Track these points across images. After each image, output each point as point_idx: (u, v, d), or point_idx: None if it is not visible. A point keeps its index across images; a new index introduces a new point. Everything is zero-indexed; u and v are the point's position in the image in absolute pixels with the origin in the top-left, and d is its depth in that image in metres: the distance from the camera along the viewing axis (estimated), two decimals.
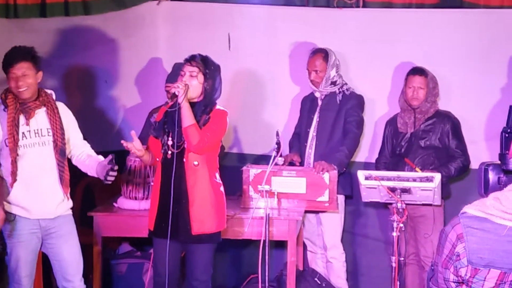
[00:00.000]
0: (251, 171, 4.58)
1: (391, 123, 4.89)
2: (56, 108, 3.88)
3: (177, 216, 3.76)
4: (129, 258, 5.03)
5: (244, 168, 4.64)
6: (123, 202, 4.57)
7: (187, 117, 3.69)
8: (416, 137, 4.70)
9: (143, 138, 4.18)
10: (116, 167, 3.78)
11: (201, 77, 3.76)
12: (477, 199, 1.92)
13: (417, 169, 4.56)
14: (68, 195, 3.88)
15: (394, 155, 4.81)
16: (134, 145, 3.73)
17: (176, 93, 3.64)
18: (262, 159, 5.11)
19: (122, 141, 3.69)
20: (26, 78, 3.73)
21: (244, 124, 5.32)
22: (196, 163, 3.75)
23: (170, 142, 3.76)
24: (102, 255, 4.67)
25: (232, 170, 5.18)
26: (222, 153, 4.81)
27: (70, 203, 3.92)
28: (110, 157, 3.81)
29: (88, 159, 3.96)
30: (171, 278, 3.86)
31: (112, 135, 5.43)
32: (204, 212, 3.79)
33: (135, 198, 4.52)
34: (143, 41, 5.43)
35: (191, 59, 3.77)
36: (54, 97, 3.95)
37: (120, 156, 4.69)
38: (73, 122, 4.01)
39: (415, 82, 4.68)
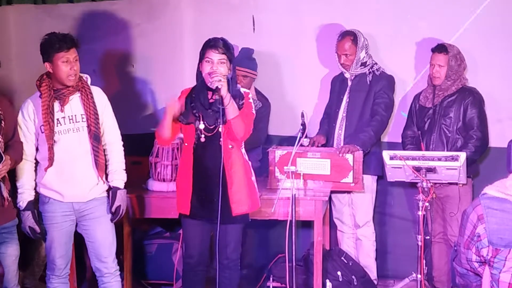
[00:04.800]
0: (277, 153, 4.63)
1: (418, 97, 4.89)
2: (91, 93, 3.92)
3: (215, 198, 3.80)
4: (158, 239, 5.12)
5: (270, 149, 4.69)
6: (152, 184, 4.65)
7: (233, 109, 3.70)
8: (439, 114, 4.68)
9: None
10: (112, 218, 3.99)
11: (228, 63, 3.78)
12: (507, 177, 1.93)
13: None
14: (104, 178, 3.95)
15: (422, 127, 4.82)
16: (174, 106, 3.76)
17: (219, 86, 3.63)
18: (287, 141, 5.14)
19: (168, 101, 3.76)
20: (77, 63, 3.82)
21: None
22: (231, 146, 3.82)
23: (202, 126, 3.80)
24: (132, 236, 4.78)
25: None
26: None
27: (104, 186, 3.99)
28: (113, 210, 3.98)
29: (110, 163, 4.04)
30: (201, 259, 3.95)
31: (140, 118, 5.50)
32: (242, 193, 3.87)
33: (163, 180, 4.60)
34: (169, 24, 5.47)
35: (216, 45, 3.76)
36: (89, 81, 3.99)
37: (148, 139, 4.77)
38: (107, 107, 4.03)
39: (436, 59, 4.66)
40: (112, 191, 3.99)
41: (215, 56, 3.74)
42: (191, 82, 4.02)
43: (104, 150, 4.01)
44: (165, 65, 5.50)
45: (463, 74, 4.73)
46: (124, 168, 4.09)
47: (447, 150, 4.58)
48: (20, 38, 5.49)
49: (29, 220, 3.84)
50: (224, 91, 3.64)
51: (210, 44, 3.78)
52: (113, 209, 3.97)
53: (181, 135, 4.00)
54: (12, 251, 3.77)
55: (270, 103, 5.17)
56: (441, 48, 4.67)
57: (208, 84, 3.72)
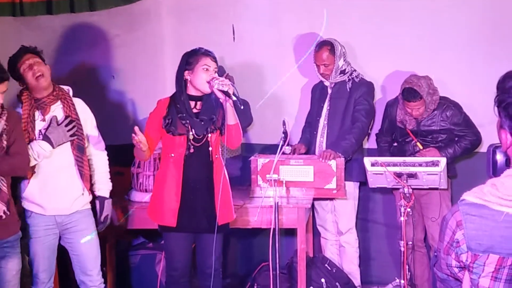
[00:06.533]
0: (259, 161, 4.63)
1: (391, 110, 4.88)
2: (73, 104, 3.91)
3: (204, 209, 3.82)
4: (141, 250, 5.11)
5: (252, 158, 4.69)
6: (134, 195, 4.64)
7: (233, 115, 3.72)
8: (420, 132, 4.73)
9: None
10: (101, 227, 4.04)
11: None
12: (486, 181, 1.96)
13: (418, 144, 4.66)
14: (89, 189, 3.95)
15: (401, 142, 4.85)
16: (141, 140, 3.68)
17: (230, 91, 3.63)
18: (269, 149, 5.16)
19: (133, 135, 3.64)
20: (39, 65, 3.78)
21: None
22: (217, 156, 3.83)
23: (191, 137, 3.79)
24: (116, 247, 4.76)
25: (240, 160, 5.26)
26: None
27: (88, 198, 3.98)
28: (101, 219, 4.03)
29: (95, 173, 4.06)
30: (185, 271, 3.93)
31: (121, 129, 5.47)
32: (226, 203, 3.88)
33: (146, 191, 4.59)
34: (149, 35, 5.47)
35: (211, 54, 3.78)
36: (71, 93, 3.98)
37: (130, 149, 4.76)
38: (90, 119, 4.04)
39: (412, 106, 4.64)
40: (99, 201, 4.02)
41: (212, 64, 3.76)
42: (172, 92, 4.02)
43: (89, 160, 4.01)
44: (145, 75, 5.49)
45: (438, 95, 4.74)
46: (109, 177, 4.13)
47: None
48: None
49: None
50: (231, 93, 3.65)
51: (205, 52, 3.78)
52: (102, 219, 4.00)
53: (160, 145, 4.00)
54: (13, 265, 3.66)
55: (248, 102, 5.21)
56: (413, 95, 4.58)
57: (215, 86, 3.68)
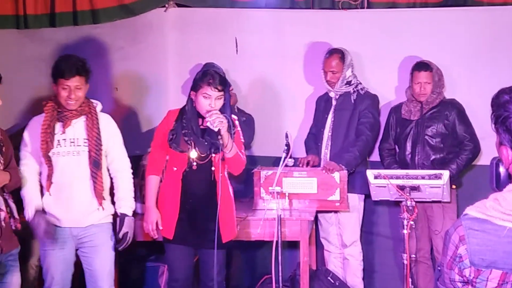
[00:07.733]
0: (262, 173, 4.64)
1: (396, 111, 4.93)
2: (97, 119, 3.90)
3: (205, 225, 3.84)
4: (144, 262, 5.11)
5: (255, 170, 4.69)
6: (138, 207, 4.62)
7: (232, 148, 3.78)
8: (422, 126, 4.74)
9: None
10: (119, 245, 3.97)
11: (223, 97, 3.83)
12: (490, 193, 1.96)
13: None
14: (104, 205, 3.89)
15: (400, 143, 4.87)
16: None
17: (221, 127, 3.68)
18: (273, 161, 5.15)
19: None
20: (78, 91, 3.80)
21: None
22: (221, 174, 3.84)
23: (194, 155, 3.82)
24: (119, 259, 4.74)
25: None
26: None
27: (105, 213, 3.93)
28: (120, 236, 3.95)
29: (118, 190, 4.02)
30: (186, 283, 3.94)
31: (124, 141, 5.47)
32: (230, 219, 3.92)
33: None
34: (152, 47, 5.48)
35: (215, 84, 3.77)
36: (100, 107, 3.98)
37: (133, 161, 4.77)
38: (116, 135, 4.03)
39: (421, 77, 4.71)
40: (120, 218, 3.94)
41: (214, 93, 3.78)
42: (175, 104, 4.03)
43: (112, 178, 4.00)
44: (149, 87, 5.50)
45: (444, 87, 4.80)
46: (133, 196, 4.05)
47: (435, 157, 4.69)
48: (2, 63, 5.47)
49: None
50: (224, 131, 3.70)
51: (209, 81, 3.78)
52: (120, 235, 3.91)
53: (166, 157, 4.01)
54: (16, 279, 3.67)
55: (253, 117, 5.20)
56: (425, 66, 4.72)
57: (208, 124, 3.73)
